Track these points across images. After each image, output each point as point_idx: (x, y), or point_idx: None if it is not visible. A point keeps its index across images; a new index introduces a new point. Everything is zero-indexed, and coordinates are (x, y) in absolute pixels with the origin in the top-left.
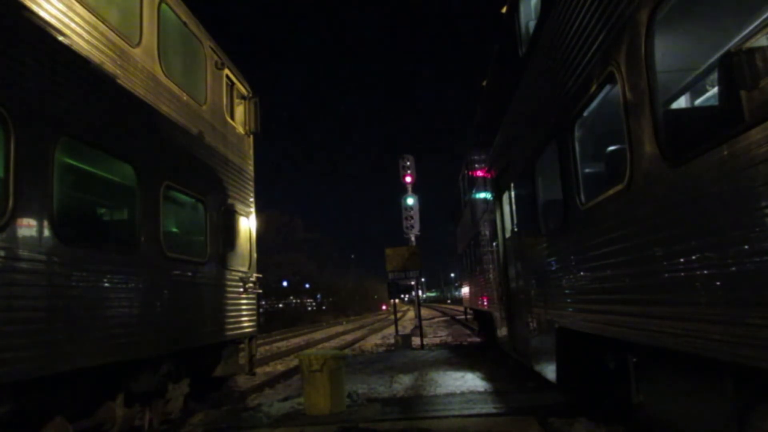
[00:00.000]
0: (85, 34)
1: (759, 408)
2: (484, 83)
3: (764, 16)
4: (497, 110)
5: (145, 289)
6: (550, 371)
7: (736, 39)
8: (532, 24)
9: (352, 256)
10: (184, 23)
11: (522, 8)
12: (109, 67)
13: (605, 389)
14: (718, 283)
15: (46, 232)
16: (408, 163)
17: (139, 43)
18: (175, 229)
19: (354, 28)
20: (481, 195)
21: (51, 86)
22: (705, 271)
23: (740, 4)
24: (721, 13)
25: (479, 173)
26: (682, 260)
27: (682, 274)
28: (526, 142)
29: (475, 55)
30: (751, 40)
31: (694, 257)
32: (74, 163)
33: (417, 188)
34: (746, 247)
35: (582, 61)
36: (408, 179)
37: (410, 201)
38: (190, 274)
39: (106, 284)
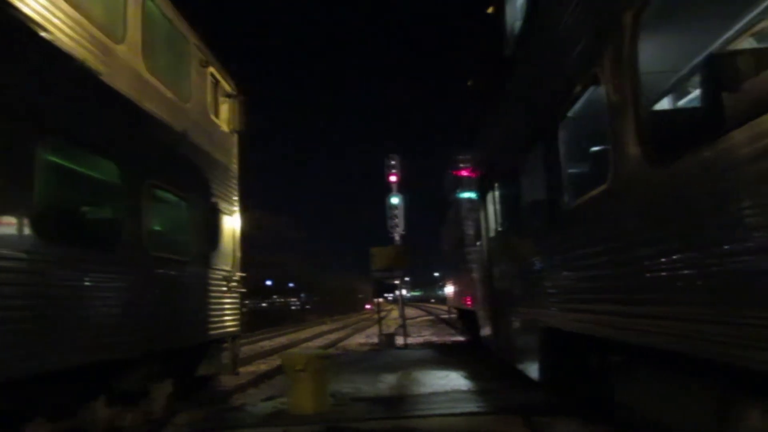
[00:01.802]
0: (67, 30)
1: (740, 406)
2: (470, 83)
3: (746, 20)
4: (483, 110)
5: (127, 288)
6: (533, 370)
7: (719, 41)
8: (518, 24)
9: (347, 257)
10: (170, 20)
11: (508, 8)
12: (93, 63)
13: (589, 388)
14: (700, 283)
15: (27, 230)
16: (393, 162)
17: (123, 40)
18: (158, 228)
19: (345, 24)
20: (466, 194)
21: (32, 82)
22: (688, 271)
23: (723, 7)
24: (704, 16)
25: (464, 173)
26: (665, 260)
27: (665, 273)
28: (511, 142)
29: (463, 54)
30: (733, 43)
31: (676, 257)
32: (56, 160)
33: (403, 188)
34: (728, 246)
35: (567, 62)
36: (393, 178)
37: (395, 200)
38: (173, 272)
39: (88, 283)
